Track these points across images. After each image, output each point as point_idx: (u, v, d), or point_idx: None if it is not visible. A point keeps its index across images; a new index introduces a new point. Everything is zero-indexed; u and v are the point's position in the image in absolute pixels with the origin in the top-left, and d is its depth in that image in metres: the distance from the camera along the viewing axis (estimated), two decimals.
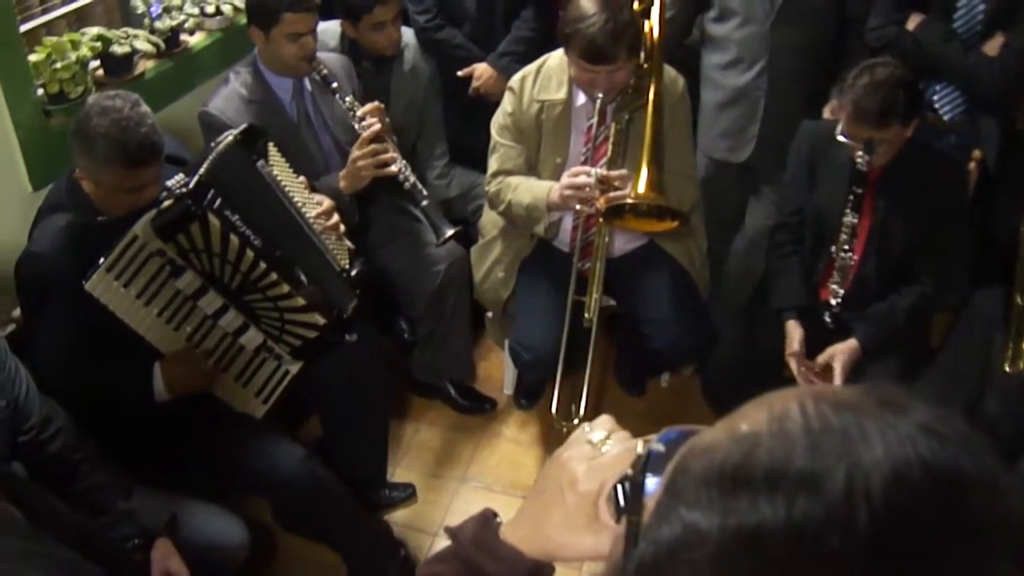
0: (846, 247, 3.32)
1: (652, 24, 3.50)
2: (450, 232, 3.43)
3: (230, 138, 2.96)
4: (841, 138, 3.16)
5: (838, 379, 3.33)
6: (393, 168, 3.44)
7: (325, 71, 3.54)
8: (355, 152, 3.47)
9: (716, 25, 3.86)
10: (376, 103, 3.56)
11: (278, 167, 3.16)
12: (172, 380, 2.89)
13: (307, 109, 3.68)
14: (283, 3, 3.41)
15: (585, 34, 3.18)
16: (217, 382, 3.00)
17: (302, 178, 3.29)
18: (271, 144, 3.17)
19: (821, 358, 3.36)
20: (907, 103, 3.12)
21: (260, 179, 3.04)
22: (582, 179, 3.30)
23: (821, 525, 0.65)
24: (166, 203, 2.72)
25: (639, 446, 1.00)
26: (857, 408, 0.71)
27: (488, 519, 1.22)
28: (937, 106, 3.69)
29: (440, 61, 4.22)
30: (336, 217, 3.33)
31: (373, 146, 3.45)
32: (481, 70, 4.19)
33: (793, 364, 3.38)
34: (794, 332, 3.41)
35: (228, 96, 3.55)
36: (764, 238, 3.72)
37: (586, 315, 3.51)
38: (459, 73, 4.20)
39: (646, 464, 0.92)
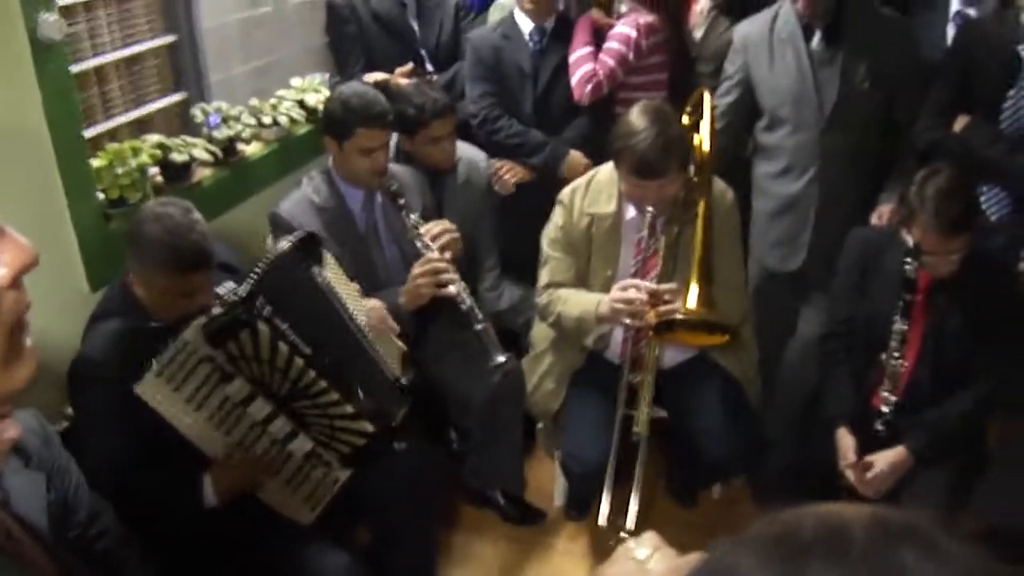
0: (896, 354, 3.28)
1: (702, 138, 3.52)
2: (502, 359, 3.42)
3: (286, 246, 2.98)
4: (926, 258, 3.12)
5: (876, 484, 3.28)
6: (452, 289, 3.45)
7: (395, 186, 3.59)
8: (416, 270, 3.48)
9: (767, 134, 3.89)
10: (445, 223, 3.60)
11: (332, 273, 3.17)
12: (222, 487, 2.89)
13: (376, 220, 3.72)
14: (358, 118, 3.48)
15: (635, 150, 3.21)
16: (265, 487, 2.99)
17: (355, 285, 3.31)
18: (325, 251, 3.20)
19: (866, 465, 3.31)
20: (976, 207, 3.11)
21: (313, 286, 3.06)
22: (632, 293, 3.30)
23: None
24: (217, 310, 2.74)
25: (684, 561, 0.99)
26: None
27: None
28: (984, 206, 3.66)
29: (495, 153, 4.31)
30: (389, 320, 3.34)
31: (435, 265, 3.46)
32: (508, 167, 4.33)
33: (850, 475, 3.32)
34: (846, 441, 3.36)
35: (299, 200, 3.62)
36: (816, 346, 3.68)
37: (635, 429, 3.49)
38: (488, 172, 4.27)
39: None
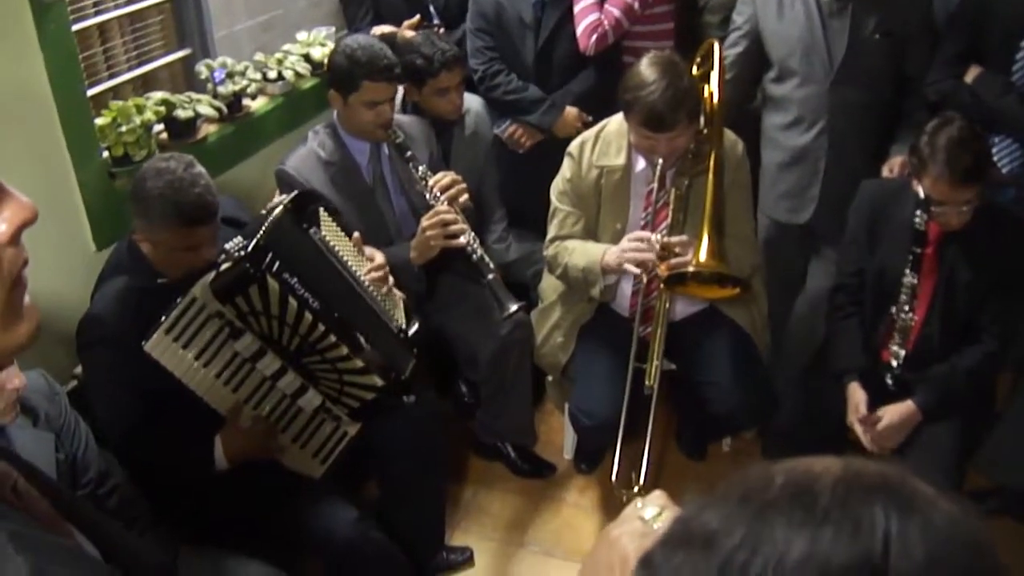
0: (906, 308, 3.27)
1: (712, 90, 3.49)
2: (514, 308, 3.39)
3: (279, 210, 2.95)
4: (936, 209, 3.10)
5: (885, 439, 3.28)
6: (462, 240, 3.43)
7: (401, 138, 3.58)
8: (425, 223, 3.47)
9: (776, 85, 3.85)
10: (452, 174, 3.58)
11: (328, 231, 3.16)
12: (233, 451, 2.89)
13: (383, 172, 3.71)
14: (363, 71, 3.45)
15: (645, 102, 3.18)
16: (275, 443, 3.00)
17: (356, 235, 3.30)
18: (320, 208, 3.18)
19: (874, 419, 3.31)
20: (988, 158, 3.09)
21: (311, 245, 3.05)
22: (642, 244, 3.28)
23: None
24: (225, 265, 2.73)
25: None
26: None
27: None
28: (996, 159, 3.63)
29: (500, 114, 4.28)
30: (385, 270, 3.32)
31: (444, 217, 3.44)
32: (512, 129, 4.30)
33: (859, 429, 3.32)
34: (857, 396, 3.35)
35: (305, 156, 3.60)
36: (826, 300, 3.66)
37: (647, 383, 3.48)
38: (496, 131, 4.26)
39: None
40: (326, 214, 3.18)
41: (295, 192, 3.12)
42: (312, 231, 3.06)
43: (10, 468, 1.19)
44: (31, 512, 1.18)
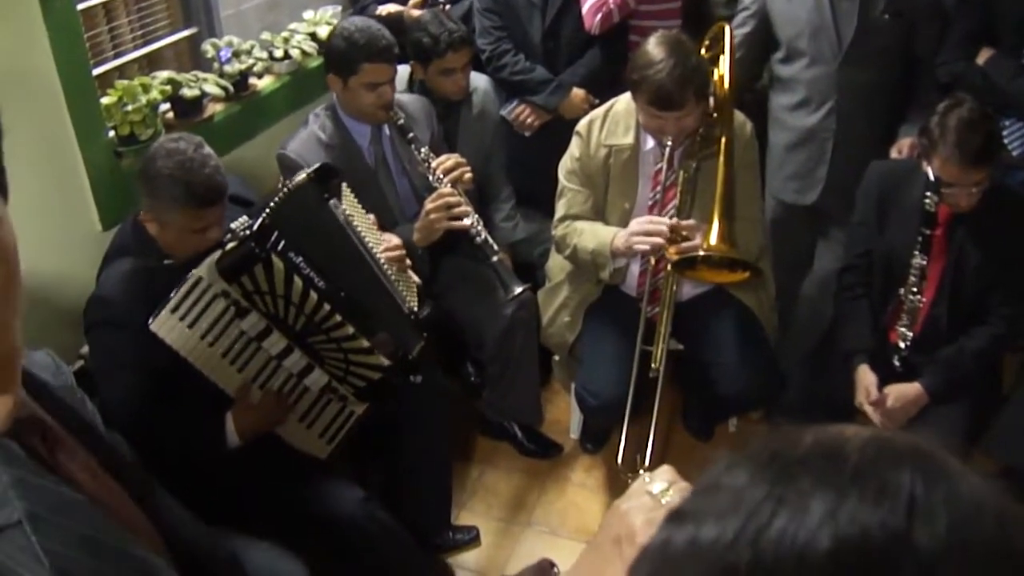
0: (915, 289, 3.26)
1: (722, 73, 3.48)
2: (519, 290, 3.39)
3: (303, 176, 2.96)
4: (946, 191, 3.09)
5: (892, 420, 3.28)
6: (466, 222, 3.42)
7: (403, 119, 3.56)
8: (428, 205, 3.46)
9: (784, 66, 3.84)
10: (456, 156, 3.57)
11: (349, 206, 3.16)
12: (244, 426, 2.89)
13: (385, 155, 3.70)
14: (363, 54, 3.44)
15: (653, 80, 3.17)
16: (286, 412, 3.00)
17: (372, 217, 3.29)
18: (343, 183, 3.17)
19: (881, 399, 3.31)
20: (998, 140, 3.08)
21: (331, 218, 3.04)
22: (652, 227, 3.28)
23: None
24: (230, 245, 2.73)
25: None
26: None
27: (545, 570, 1.19)
28: (1006, 141, 3.62)
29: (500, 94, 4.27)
30: (402, 252, 3.32)
31: (447, 199, 3.43)
32: (519, 110, 4.27)
33: (869, 411, 3.32)
34: (867, 378, 3.35)
35: (306, 139, 3.58)
36: (833, 281, 3.65)
37: (653, 365, 3.48)
38: (503, 113, 4.24)
39: None
40: (348, 190, 3.17)
41: (320, 163, 3.12)
42: (333, 203, 3.06)
43: (42, 415, 1.17)
44: (60, 462, 1.16)
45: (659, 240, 3.28)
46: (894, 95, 3.79)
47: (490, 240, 3.42)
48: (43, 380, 1.33)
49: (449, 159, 3.54)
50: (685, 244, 3.25)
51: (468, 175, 3.55)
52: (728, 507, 0.70)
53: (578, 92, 4.23)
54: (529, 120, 4.30)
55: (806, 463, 0.70)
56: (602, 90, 4.06)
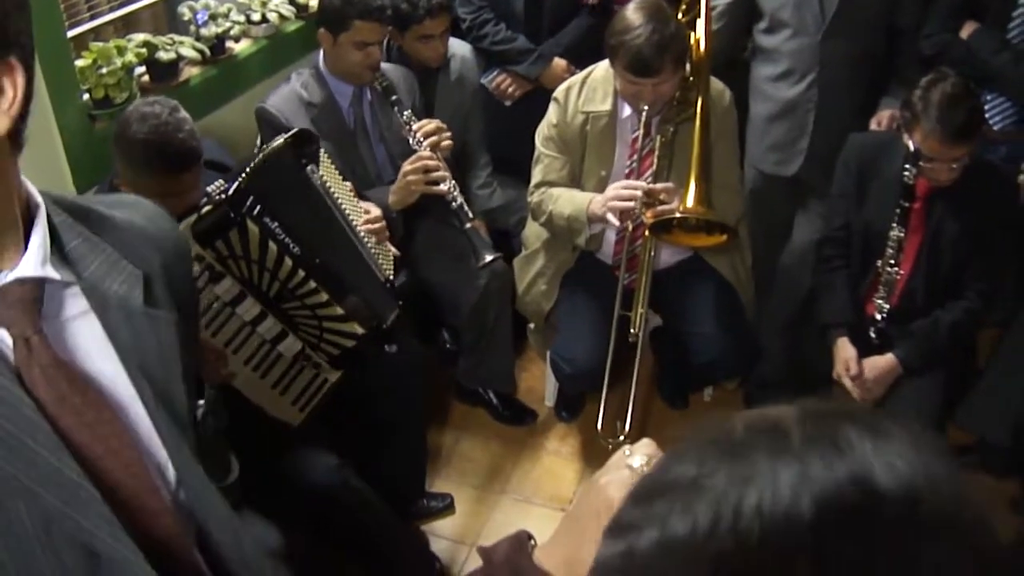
0: (892, 262, 3.26)
1: (698, 37, 3.47)
2: (489, 258, 3.41)
3: (280, 141, 2.95)
4: (926, 165, 3.08)
5: (868, 392, 3.30)
6: (443, 187, 3.43)
7: (387, 82, 3.57)
8: (406, 167, 3.45)
9: (766, 37, 3.82)
10: (437, 121, 3.57)
11: (327, 173, 3.15)
12: None
13: (364, 117, 3.70)
14: (356, 10, 3.45)
15: (630, 46, 3.16)
16: (254, 388, 2.98)
17: (349, 184, 3.28)
18: (321, 149, 3.16)
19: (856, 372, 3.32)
20: (981, 116, 3.08)
21: (307, 184, 3.02)
22: (627, 193, 3.27)
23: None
24: (205, 209, 2.71)
25: None
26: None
27: (522, 542, 1.18)
28: (988, 116, 3.61)
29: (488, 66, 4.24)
30: (382, 223, 3.31)
31: (426, 163, 3.43)
32: (500, 79, 4.24)
33: (848, 383, 3.33)
34: (847, 351, 3.37)
35: (287, 95, 3.59)
36: (812, 253, 3.66)
37: (631, 330, 3.48)
38: (483, 81, 4.22)
39: None
40: (326, 157, 3.16)
41: (299, 128, 3.10)
42: (310, 168, 3.04)
43: (23, 317, 1.11)
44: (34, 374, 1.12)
45: (633, 205, 3.27)
46: (877, 68, 3.79)
47: (465, 207, 3.42)
48: None
49: (430, 123, 3.54)
50: (661, 207, 3.25)
51: (448, 142, 3.54)
52: (691, 498, 0.70)
53: (559, 62, 4.20)
54: (510, 90, 4.27)
55: (751, 443, 0.71)
56: (584, 61, 4.04)
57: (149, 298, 1.27)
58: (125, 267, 1.25)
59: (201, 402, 2.38)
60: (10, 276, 1.10)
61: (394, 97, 3.55)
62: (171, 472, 1.25)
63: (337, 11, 3.48)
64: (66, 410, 1.13)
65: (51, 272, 1.13)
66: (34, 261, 1.12)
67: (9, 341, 1.11)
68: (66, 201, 1.25)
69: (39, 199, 1.17)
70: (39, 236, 1.13)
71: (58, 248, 1.18)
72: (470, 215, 3.43)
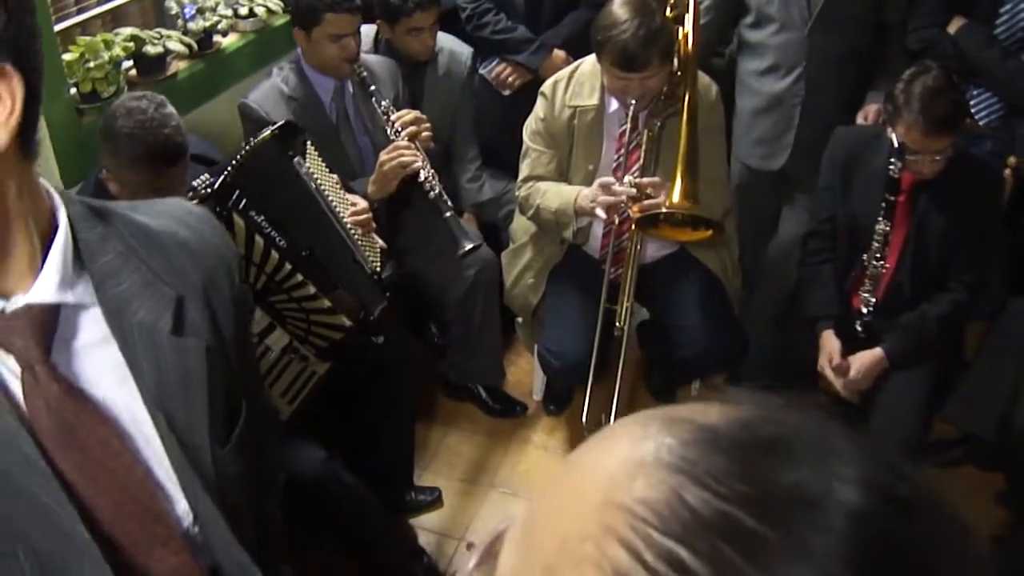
0: (878, 255, 3.27)
1: (685, 31, 3.47)
2: (469, 246, 3.39)
3: (266, 134, 2.95)
4: (911, 158, 3.09)
5: (853, 384, 3.32)
6: (417, 165, 3.40)
7: (365, 74, 3.57)
8: (383, 156, 3.45)
9: (753, 31, 3.83)
10: (416, 112, 3.56)
11: (314, 165, 3.14)
12: None
13: (347, 110, 3.70)
14: (324, 4, 3.44)
15: (617, 41, 3.16)
16: None
17: (336, 176, 3.28)
18: (308, 142, 3.16)
19: (844, 366, 3.33)
20: (964, 108, 3.09)
21: (293, 177, 3.03)
22: (614, 187, 3.27)
23: None
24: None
25: None
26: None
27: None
28: (974, 111, 3.63)
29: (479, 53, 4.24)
30: (368, 215, 3.32)
31: (401, 152, 3.42)
32: (500, 69, 4.24)
33: (830, 374, 3.34)
34: (831, 343, 3.37)
35: (268, 91, 3.59)
36: (798, 246, 3.67)
37: (617, 324, 3.49)
38: (482, 71, 4.22)
39: None
40: (313, 149, 3.16)
41: (285, 120, 3.11)
42: (297, 160, 3.04)
43: (30, 345, 1.09)
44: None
45: (620, 199, 3.27)
46: (863, 62, 3.80)
47: (444, 196, 3.41)
48: None
49: (409, 114, 3.53)
50: (648, 201, 3.25)
51: (427, 133, 3.53)
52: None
53: (559, 54, 4.20)
54: (511, 79, 4.26)
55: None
56: (582, 53, 4.04)
57: (179, 323, 1.23)
58: (158, 289, 1.22)
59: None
60: (22, 301, 1.07)
61: (372, 88, 3.55)
62: (183, 506, 1.22)
63: (307, 6, 3.50)
64: (70, 445, 1.11)
65: (67, 297, 1.11)
66: (49, 284, 1.09)
67: (17, 369, 1.09)
68: (107, 209, 1.22)
69: (62, 215, 1.14)
70: (57, 256, 1.10)
71: (82, 264, 1.15)
72: (449, 203, 3.41)
